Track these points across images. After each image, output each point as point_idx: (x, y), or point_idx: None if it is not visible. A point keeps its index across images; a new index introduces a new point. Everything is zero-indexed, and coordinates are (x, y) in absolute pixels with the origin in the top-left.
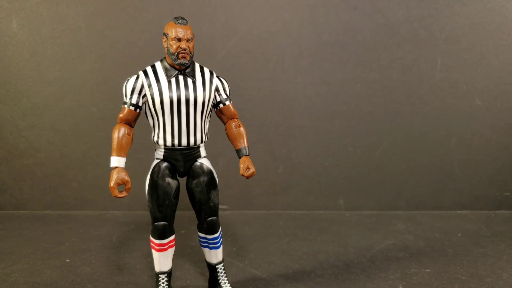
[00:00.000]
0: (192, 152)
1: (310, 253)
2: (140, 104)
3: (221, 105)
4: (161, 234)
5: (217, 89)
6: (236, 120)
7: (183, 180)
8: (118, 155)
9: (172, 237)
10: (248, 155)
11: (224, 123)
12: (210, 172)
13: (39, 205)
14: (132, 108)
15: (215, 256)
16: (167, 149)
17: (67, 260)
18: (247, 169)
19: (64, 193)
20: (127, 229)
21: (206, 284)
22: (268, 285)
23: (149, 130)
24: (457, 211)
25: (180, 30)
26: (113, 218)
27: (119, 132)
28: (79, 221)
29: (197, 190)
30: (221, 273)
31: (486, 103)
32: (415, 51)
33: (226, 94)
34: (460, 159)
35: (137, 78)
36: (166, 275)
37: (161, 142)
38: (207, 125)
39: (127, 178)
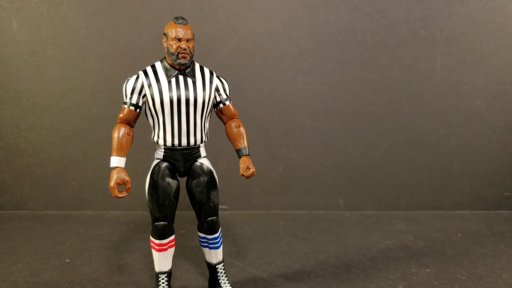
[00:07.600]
0: (192, 152)
1: (310, 253)
2: (140, 104)
3: (221, 105)
4: (161, 234)
5: (217, 89)
6: (236, 120)
7: (183, 180)
8: (118, 155)
9: (172, 237)
10: (248, 155)
11: (224, 123)
12: (210, 172)
13: (39, 205)
14: (132, 108)
15: (215, 256)
16: (167, 149)
17: (67, 260)
18: (247, 169)
19: (64, 193)
20: (127, 229)
21: (206, 284)
22: (268, 285)
23: (149, 130)
24: (457, 211)
25: (180, 30)
26: (113, 218)
27: (119, 132)
28: (79, 221)
29: (197, 190)
30: (221, 273)
31: (486, 103)
32: (415, 51)
33: (226, 94)
34: (460, 159)
35: (137, 78)
36: (166, 275)
37: (161, 142)
38: (207, 125)
39: (127, 178)
